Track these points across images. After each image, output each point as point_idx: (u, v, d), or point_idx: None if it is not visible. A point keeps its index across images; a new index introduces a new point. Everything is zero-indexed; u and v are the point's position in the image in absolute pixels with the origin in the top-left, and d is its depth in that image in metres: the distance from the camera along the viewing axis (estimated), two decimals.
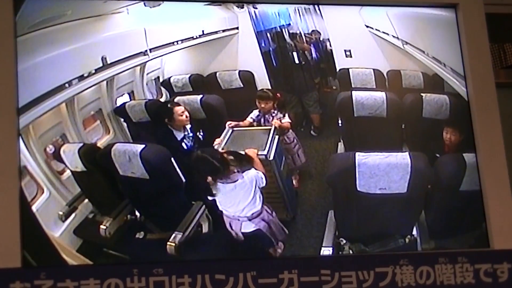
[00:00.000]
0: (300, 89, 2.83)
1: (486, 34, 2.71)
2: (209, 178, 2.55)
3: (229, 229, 2.57)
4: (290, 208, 2.67)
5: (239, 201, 2.58)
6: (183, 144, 2.72)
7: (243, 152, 2.63)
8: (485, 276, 2.43)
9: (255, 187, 2.58)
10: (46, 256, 2.32)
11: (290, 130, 2.81)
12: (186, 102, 2.67)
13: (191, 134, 2.73)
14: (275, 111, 2.85)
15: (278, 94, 2.83)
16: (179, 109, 2.68)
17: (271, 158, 2.69)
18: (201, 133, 2.76)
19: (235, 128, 2.76)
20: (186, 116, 2.70)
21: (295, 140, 2.80)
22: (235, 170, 2.58)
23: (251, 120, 2.84)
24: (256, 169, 2.60)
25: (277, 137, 2.77)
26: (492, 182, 2.58)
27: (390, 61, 2.74)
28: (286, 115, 2.84)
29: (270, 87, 2.80)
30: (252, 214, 2.58)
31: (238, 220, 2.58)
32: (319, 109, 2.81)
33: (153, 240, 2.51)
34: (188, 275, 2.26)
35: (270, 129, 2.80)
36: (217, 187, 2.56)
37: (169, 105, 2.72)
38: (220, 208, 2.56)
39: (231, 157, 2.60)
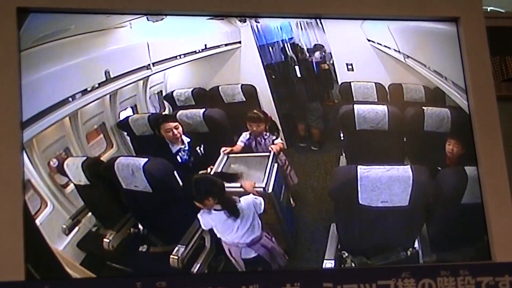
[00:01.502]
0: (303, 103, 2.83)
1: (487, 48, 2.72)
2: (209, 201, 2.54)
3: (229, 256, 2.57)
4: (291, 239, 2.66)
5: (238, 228, 2.58)
6: (178, 157, 2.72)
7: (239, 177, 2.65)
8: None
9: (253, 213, 2.58)
10: (50, 269, 2.33)
11: (282, 152, 2.79)
12: (188, 116, 2.68)
13: (187, 148, 2.73)
14: (267, 134, 2.82)
15: (269, 116, 2.79)
16: (167, 126, 2.70)
17: (270, 190, 2.66)
18: (201, 148, 2.76)
19: (230, 155, 2.73)
20: (174, 134, 2.70)
21: (286, 162, 2.77)
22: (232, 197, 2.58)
23: (242, 144, 2.80)
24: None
25: (276, 165, 2.74)
26: (493, 195, 2.58)
27: (392, 74, 2.75)
28: (279, 137, 2.81)
29: (272, 101, 2.80)
30: (252, 240, 2.58)
31: (237, 246, 2.58)
32: (321, 124, 2.81)
33: (156, 253, 2.52)
34: (191, 287, 2.26)
35: (268, 156, 2.78)
36: (213, 215, 2.55)
37: (160, 119, 2.73)
38: (218, 235, 2.56)
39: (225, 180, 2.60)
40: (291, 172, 2.75)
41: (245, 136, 2.81)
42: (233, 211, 2.56)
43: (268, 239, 2.60)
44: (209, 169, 2.67)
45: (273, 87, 2.81)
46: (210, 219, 2.54)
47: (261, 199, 2.60)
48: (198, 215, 2.54)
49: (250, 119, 2.80)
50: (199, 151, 2.75)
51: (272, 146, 2.79)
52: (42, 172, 2.44)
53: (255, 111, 2.81)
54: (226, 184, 2.58)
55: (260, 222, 2.59)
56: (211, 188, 2.56)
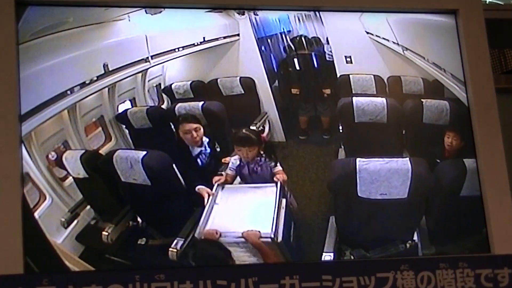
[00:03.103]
0: (306, 94, 2.82)
1: (486, 40, 2.72)
2: None
3: None
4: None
5: None
6: (198, 160, 2.70)
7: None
8: (486, 281, 2.44)
9: None
10: (49, 263, 2.33)
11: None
12: (187, 109, 2.67)
13: (208, 150, 2.70)
14: (262, 159, 2.70)
15: (263, 135, 2.70)
16: (187, 127, 2.67)
17: (280, 239, 2.50)
18: (218, 146, 2.72)
19: (226, 186, 2.64)
20: (194, 137, 2.66)
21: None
22: None
23: (233, 173, 2.69)
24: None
25: (284, 200, 2.60)
26: (492, 187, 2.59)
27: (390, 67, 2.75)
28: (277, 163, 2.67)
29: (271, 94, 2.80)
30: None
31: None
32: (330, 112, 2.77)
33: (155, 246, 2.52)
34: (189, 281, 2.27)
35: (275, 189, 2.63)
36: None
37: (180, 118, 2.68)
38: None
39: None
40: (291, 197, 2.65)
41: (234, 162, 2.70)
42: None
43: None
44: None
45: (271, 80, 2.79)
46: None
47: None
48: None
49: (238, 141, 2.69)
50: (217, 148, 2.73)
51: (278, 176, 2.64)
52: (41, 165, 2.44)
53: (244, 130, 2.70)
54: (223, 239, 2.47)
55: None
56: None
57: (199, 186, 2.60)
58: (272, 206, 2.58)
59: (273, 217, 2.55)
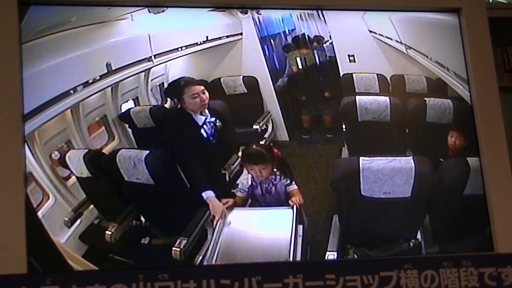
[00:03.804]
0: (309, 94, 2.81)
1: (489, 38, 2.72)
2: None
3: None
4: None
5: None
6: (203, 131, 2.65)
7: None
8: (490, 280, 2.44)
9: None
10: (52, 262, 2.34)
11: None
12: None
13: (212, 119, 2.62)
14: (277, 177, 2.61)
15: (275, 150, 2.61)
16: (193, 90, 2.60)
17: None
18: (218, 121, 2.64)
19: (236, 209, 2.56)
20: (202, 100, 2.59)
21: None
22: None
23: (245, 194, 2.60)
24: None
25: (300, 227, 2.53)
26: (496, 186, 2.58)
27: (394, 65, 2.75)
28: (293, 180, 2.58)
29: (274, 93, 2.79)
30: None
31: None
32: (333, 111, 2.76)
33: (158, 246, 2.52)
34: (193, 280, 2.26)
35: (291, 213, 2.57)
36: None
37: (182, 83, 2.61)
38: None
39: None
40: (304, 214, 2.60)
41: (245, 182, 2.62)
42: None
43: None
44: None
45: (275, 79, 2.79)
46: None
47: None
48: None
49: (249, 159, 2.60)
50: (218, 124, 2.67)
51: (294, 198, 2.56)
52: (44, 165, 2.44)
53: (254, 146, 2.63)
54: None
55: None
56: None
57: (208, 195, 2.55)
58: (288, 233, 2.53)
59: (290, 246, 2.50)
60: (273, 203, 2.65)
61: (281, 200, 2.64)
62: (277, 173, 2.61)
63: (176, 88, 2.62)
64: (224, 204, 2.53)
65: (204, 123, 2.65)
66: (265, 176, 2.61)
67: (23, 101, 2.36)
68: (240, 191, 2.61)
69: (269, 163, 2.60)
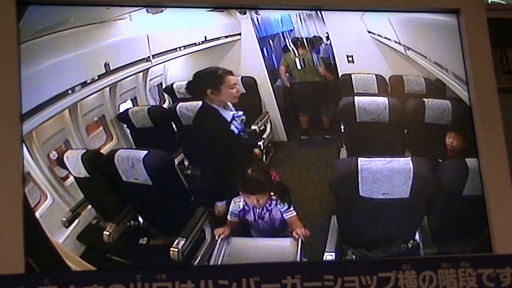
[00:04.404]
0: (307, 95, 2.81)
1: (488, 39, 2.71)
2: None
3: None
4: None
5: None
6: (233, 127, 2.61)
7: None
8: (488, 280, 2.43)
9: None
10: (50, 262, 2.33)
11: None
12: (189, 108, 2.67)
13: (240, 113, 2.58)
14: (272, 202, 2.53)
15: (274, 174, 2.54)
16: (232, 80, 2.55)
17: None
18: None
19: (234, 239, 2.49)
20: (237, 91, 2.56)
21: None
22: None
23: (236, 220, 2.52)
24: None
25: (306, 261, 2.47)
26: (494, 186, 2.58)
27: (392, 66, 2.75)
28: (291, 205, 2.50)
29: (273, 93, 2.79)
30: None
31: None
32: (331, 112, 2.76)
33: (156, 246, 2.52)
34: (191, 280, 2.26)
35: (294, 245, 2.50)
36: None
37: (220, 72, 2.57)
38: None
39: None
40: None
41: (236, 205, 2.53)
42: None
43: None
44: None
45: (273, 79, 2.79)
46: None
47: None
48: None
49: (246, 189, 2.51)
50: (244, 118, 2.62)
51: (297, 230, 2.48)
52: (42, 165, 2.44)
53: (250, 171, 2.54)
54: None
55: None
56: None
57: (218, 205, 2.54)
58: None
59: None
60: (266, 231, 2.60)
61: (275, 228, 2.59)
62: (274, 197, 2.55)
63: (217, 77, 2.58)
64: (220, 235, 2.47)
65: (233, 118, 2.61)
66: (262, 204, 2.55)
67: (21, 101, 2.36)
68: (231, 215, 2.52)
69: (265, 193, 2.54)
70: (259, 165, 2.58)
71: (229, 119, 2.60)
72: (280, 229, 2.56)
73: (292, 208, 2.53)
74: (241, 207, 2.52)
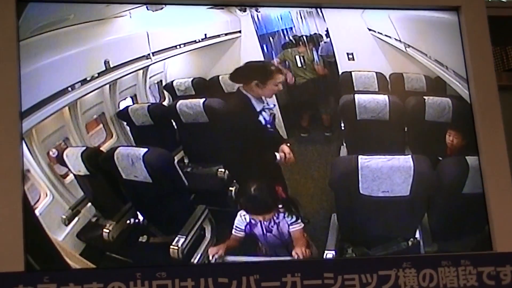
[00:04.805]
0: (307, 93, 2.81)
1: (488, 37, 2.71)
2: None
3: None
4: None
5: None
6: (261, 117, 2.63)
7: None
8: (488, 279, 2.44)
9: None
10: (49, 260, 2.33)
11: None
12: (188, 106, 2.66)
13: (271, 106, 2.59)
14: (279, 214, 2.49)
15: (280, 191, 2.49)
16: (279, 78, 2.60)
17: None
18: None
19: (228, 258, 2.43)
20: (279, 90, 2.59)
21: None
22: None
23: (242, 234, 2.48)
24: None
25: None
26: (494, 184, 2.58)
27: (393, 64, 2.74)
28: (299, 218, 2.47)
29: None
30: None
31: None
32: (330, 110, 2.76)
33: (156, 244, 2.51)
34: (191, 278, 2.26)
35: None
36: None
37: (272, 67, 2.62)
38: None
39: None
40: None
41: (242, 218, 2.50)
42: None
43: None
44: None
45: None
46: None
47: None
48: None
49: (251, 209, 2.48)
50: (274, 112, 2.64)
51: (297, 250, 2.44)
52: (42, 163, 2.44)
53: (253, 190, 2.49)
54: None
55: None
56: None
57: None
58: None
59: None
60: (275, 244, 2.57)
61: (284, 241, 2.55)
62: (281, 210, 2.52)
63: (268, 72, 2.61)
64: (214, 255, 2.42)
65: (263, 109, 2.63)
66: (269, 218, 2.51)
67: (21, 98, 2.36)
68: (236, 230, 2.48)
69: (271, 211, 2.50)
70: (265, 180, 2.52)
71: (258, 109, 2.61)
72: (289, 242, 2.52)
73: (299, 221, 2.50)
74: (248, 220, 2.48)
